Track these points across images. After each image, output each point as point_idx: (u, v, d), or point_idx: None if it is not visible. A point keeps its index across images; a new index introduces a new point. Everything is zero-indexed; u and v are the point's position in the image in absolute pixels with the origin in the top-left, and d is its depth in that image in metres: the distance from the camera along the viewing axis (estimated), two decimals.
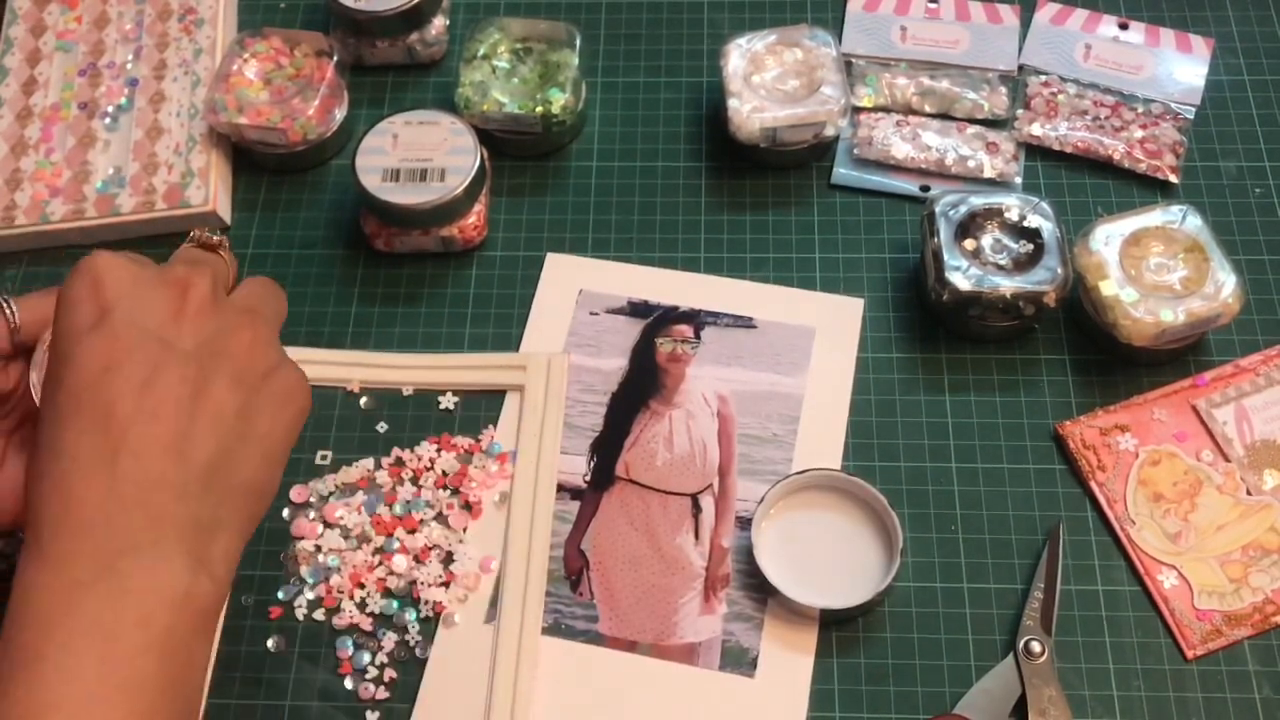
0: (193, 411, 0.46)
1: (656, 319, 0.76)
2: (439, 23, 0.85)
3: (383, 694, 0.65)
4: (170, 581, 0.44)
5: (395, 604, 0.68)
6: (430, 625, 0.67)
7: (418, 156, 0.76)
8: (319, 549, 0.69)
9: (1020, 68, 0.84)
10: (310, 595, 0.68)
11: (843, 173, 0.81)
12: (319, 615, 0.68)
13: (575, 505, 0.70)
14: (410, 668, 0.66)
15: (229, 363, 0.48)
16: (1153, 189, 0.80)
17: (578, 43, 0.81)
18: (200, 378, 0.47)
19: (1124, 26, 0.86)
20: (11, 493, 0.55)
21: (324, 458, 0.72)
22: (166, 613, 0.44)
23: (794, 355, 0.74)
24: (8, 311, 0.54)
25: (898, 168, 0.81)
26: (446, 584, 0.68)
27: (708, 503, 0.70)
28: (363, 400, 0.74)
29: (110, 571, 0.43)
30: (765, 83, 0.79)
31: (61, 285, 0.48)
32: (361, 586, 0.68)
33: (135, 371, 0.45)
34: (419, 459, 0.72)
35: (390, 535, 0.69)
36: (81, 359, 0.45)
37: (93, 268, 0.48)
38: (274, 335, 0.51)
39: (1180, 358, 0.73)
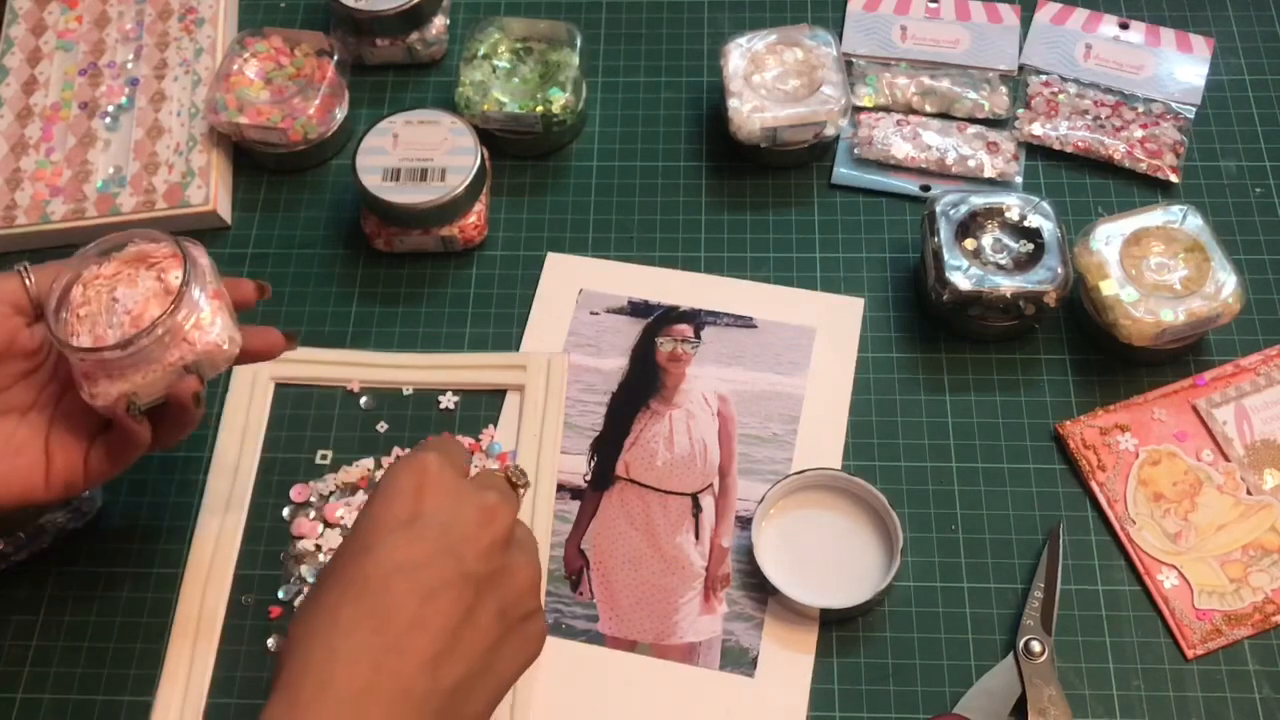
0: (457, 634, 0.48)
1: (656, 319, 0.76)
2: (439, 22, 0.85)
3: None
4: None
5: None
6: None
7: (418, 156, 0.76)
8: (319, 548, 0.69)
9: (1021, 67, 0.84)
10: None
11: (843, 172, 0.81)
12: None
13: (575, 505, 0.70)
14: None
15: (500, 597, 0.50)
16: (1153, 189, 0.80)
17: (578, 42, 0.81)
18: (473, 605, 0.49)
19: (1124, 26, 0.86)
20: (64, 465, 0.57)
21: (324, 457, 0.72)
22: None
23: (794, 355, 0.74)
24: (27, 281, 0.57)
25: (898, 167, 0.81)
26: None
27: (708, 502, 0.70)
28: (363, 400, 0.74)
29: None
30: (765, 82, 0.79)
31: (388, 470, 0.52)
32: None
33: (425, 579, 0.48)
34: None
35: None
36: (385, 552, 0.48)
37: (424, 468, 0.51)
38: (540, 579, 0.53)
39: (1180, 357, 0.73)
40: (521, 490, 0.55)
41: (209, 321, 0.56)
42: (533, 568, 0.53)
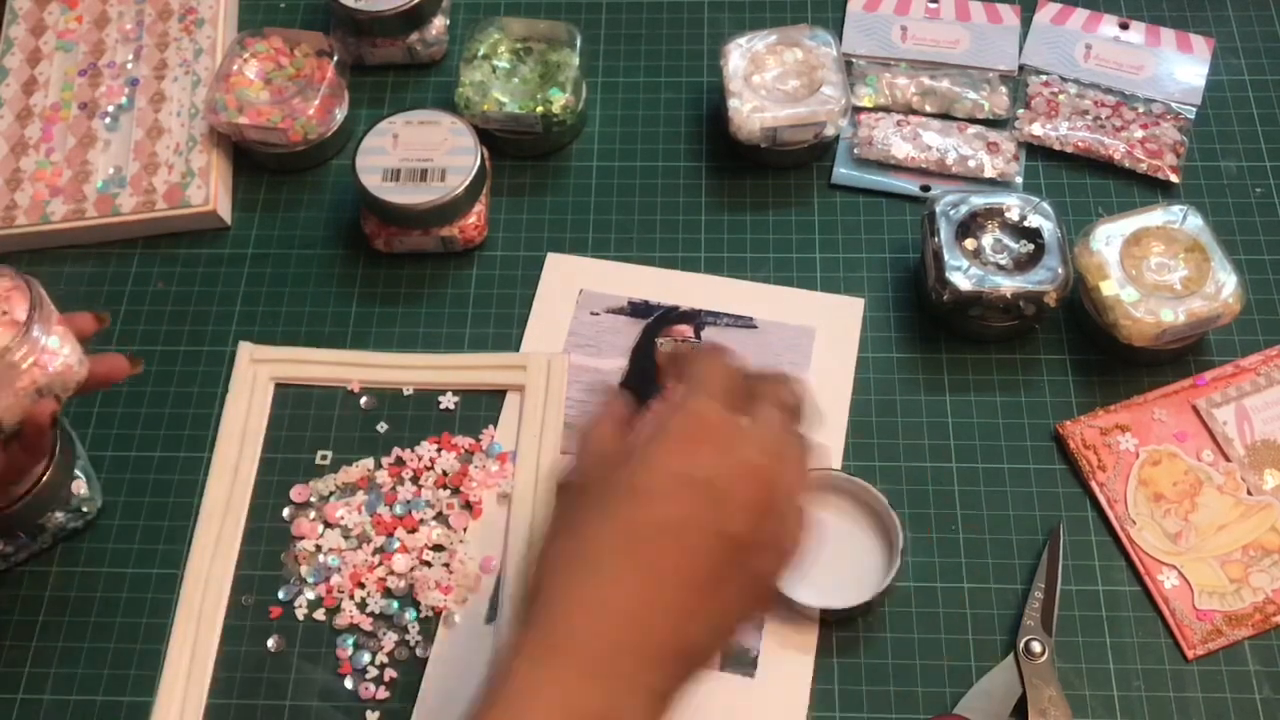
0: (705, 593, 0.47)
1: (656, 319, 0.76)
2: (439, 23, 0.85)
3: (383, 694, 0.65)
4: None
5: (395, 604, 0.68)
6: (430, 625, 0.67)
7: (418, 156, 0.76)
8: (319, 549, 0.69)
9: (1021, 68, 0.84)
10: (310, 595, 0.68)
11: (843, 173, 0.81)
12: (319, 615, 0.68)
13: None
14: (410, 667, 0.66)
15: (756, 567, 0.48)
16: (1153, 189, 0.80)
17: (578, 43, 0.81)
18: (727, 568, 0.47)
19: (1124, 26, 0.86)
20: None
21: (324, 458, 0.72)
22: None
23: (794, 355, 0.74)
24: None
25: (898, 167, 0.81)
26: (447, 584, 0.68)
27: None
28: (363, 400, 0.74)
29: (598, 707, 0.44)
30: (765, 83, 0.79)
31: (661, 409, 0.50)
32: (362, 586, 0.68)
33: (690, 539, 0.47)
34: (419, 459, 0.72)
35: (390, 535, 0.69)
36: (659, 505, 0.47)
37: (702, 417, 0.49)
38: (794, 555, 0.51)
39: (1181, 358, 0.73)
40: (800, 422, 0.52)
41: (58, 345, 0.59)
42: (794, 549, 0.50)
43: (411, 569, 0.68)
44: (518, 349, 0.75)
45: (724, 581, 0.47)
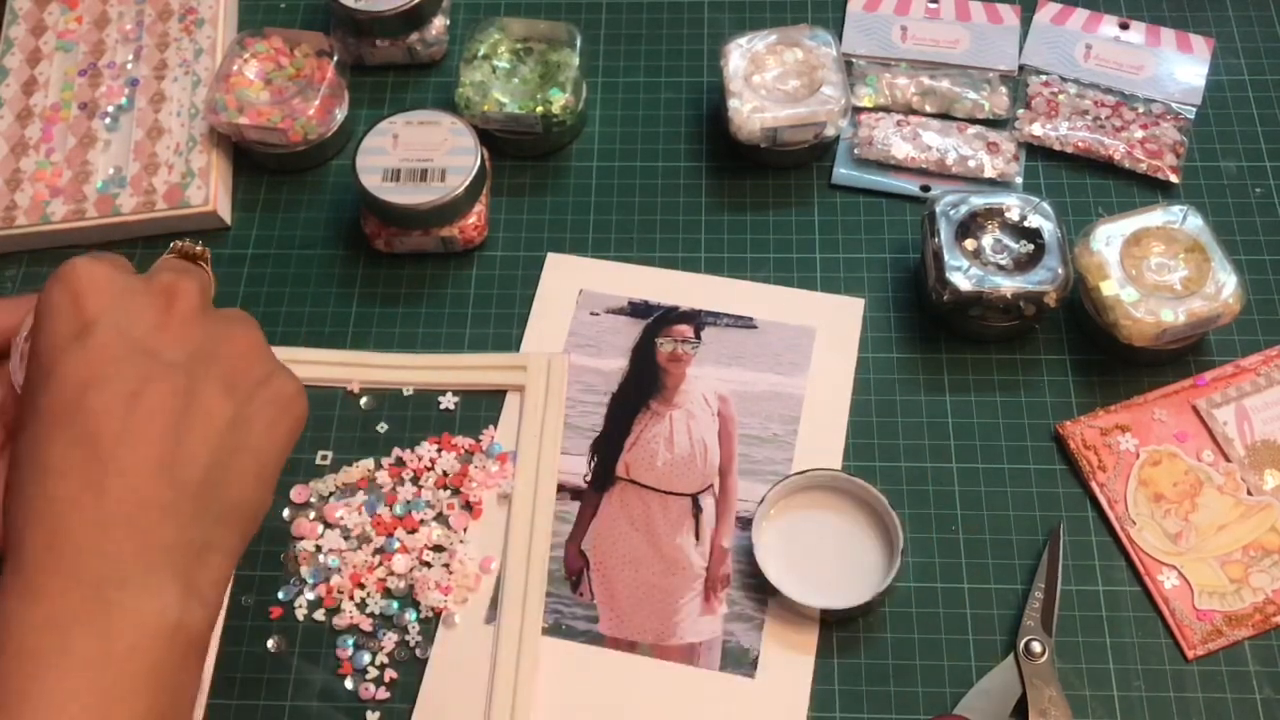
0: (183, 426, 0.44)
1: (657, 319, 0.76)
2: (439, 23, 0.85)
3: (383, 694, 0.65)
4: (161, 612, 0.42)
5: (395, 604, 0.68)
6: (430, 625, 0.67)
7: (418, 156, 0.76)
8: (319, 549, 0.69)
9: (1021, 68, 0.84)
10: (310, 595, 0.68)
11: (843, 173, 0.81)
12: (319, 615, 0.68)
13: (575, 505, 0.70)
14: (410, 668, 0.66)
15: (219, 371, 0.46)
16: (1153, 189, 0.80)
17: (578, 43, 0.81)
18: (190, 389, 0.44)
19: (1124, 26, 0.86)
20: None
21: (324, 458, 0.72)
22: (157, 645, 0.42)
23: (794, 355, 0.74)
24: None
25: (898, 168, 0.81)
26: (447, 585, 0.68)
27: (708, 503, 0.70)
28: (363, 400, 0.74)
29: (100, 604, 0.41)
30: (766, 83, 0.79)
31: (40, 292, 0.46)
32: (362, 587, 0.68)
33: (122, 386, 0.43)
34: (419, 459, 0.72)
35: (390, 535, 0.69)
36: (65, 373, 0.43)
37: (74, 275, 0.45)
38: (265, 341, 0.49)
39: (1181, 358, 0.73)
40: (203, 263, 0.51)
41: None
42: (248, 331, 0.48)
43: (411, 569, 0.68)
44: (518, 349, 0.75)
45: (197, 407, 0.44)
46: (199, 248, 0.51)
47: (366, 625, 0.67)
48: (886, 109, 0.83)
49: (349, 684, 0.66)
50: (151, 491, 0.42)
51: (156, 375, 0.44)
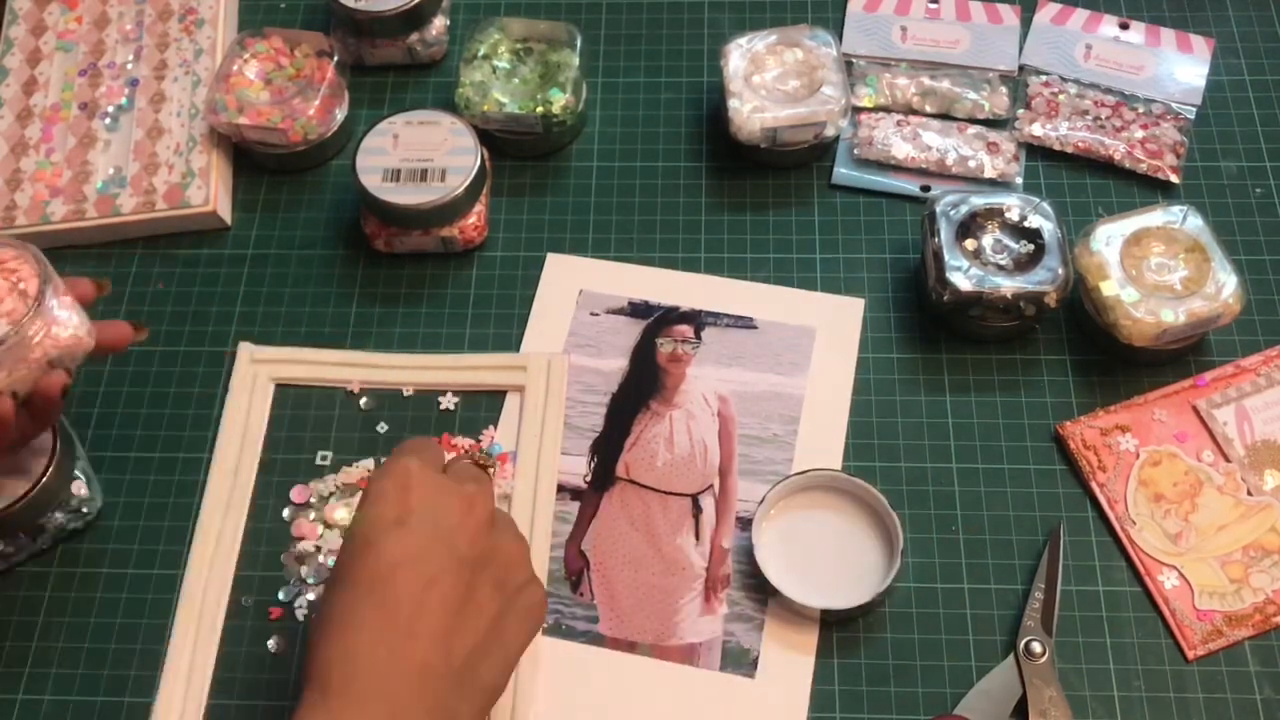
0: (462, 613, 0.53)
1: (657, 319, 0.76)
2: (439, 23, 0.85)
3: None
4: None
5: None
6: None
7: (418, 156, 0.76)
8: (319, 549, 0.69)
9: (1021, 68, 0.84)
10: (311, 596, 0.68)
11: (843, 173, 0.81)
12: None
13: (575, 506, 0.70)
14: None
15: (493, 573, 0.55)
16: (1153, 189, 0.80)
17: (578, 43, 0.81)
18: (471, 583, 0.54)
19: (1124, 26, 0.86)
20: None
21: (324, 458, 0.72)
22: None
23: (794, 355, 0.74)
24: None
25: (898, 168, 0.81)
26: None
27: (708, 503, 0.70)
28: (363, 401, 0.74)
29: None
30: (766, 83, 0.79)
31: (373, 478, 0.56)
32: None
33: (425, 570, 0.53)
34: None
35: None
36: (383, 550, 0.53)
37: (404, 471, 0.55)
38: (528, 552, 0.59)
39: (1181, 358, 0.73)
40: (491, 471, 0.61)
41: (67, 316, 0.60)
42: (518, 543, 0.58)
43: None
44: (518, 349, 0.75)
45: (474, 599, 0.54)
46: (492, 459, 0.62)
47: None
48: (886, 109, 0.83)
49: None
50: (431, 659, 0.51)
51: (451, 567, 0.53)
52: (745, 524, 0.69)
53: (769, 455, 0.71)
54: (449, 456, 0.62)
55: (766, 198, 0.81)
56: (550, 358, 0.74)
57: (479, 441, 0.72)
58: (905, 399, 0.73)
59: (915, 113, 0.83)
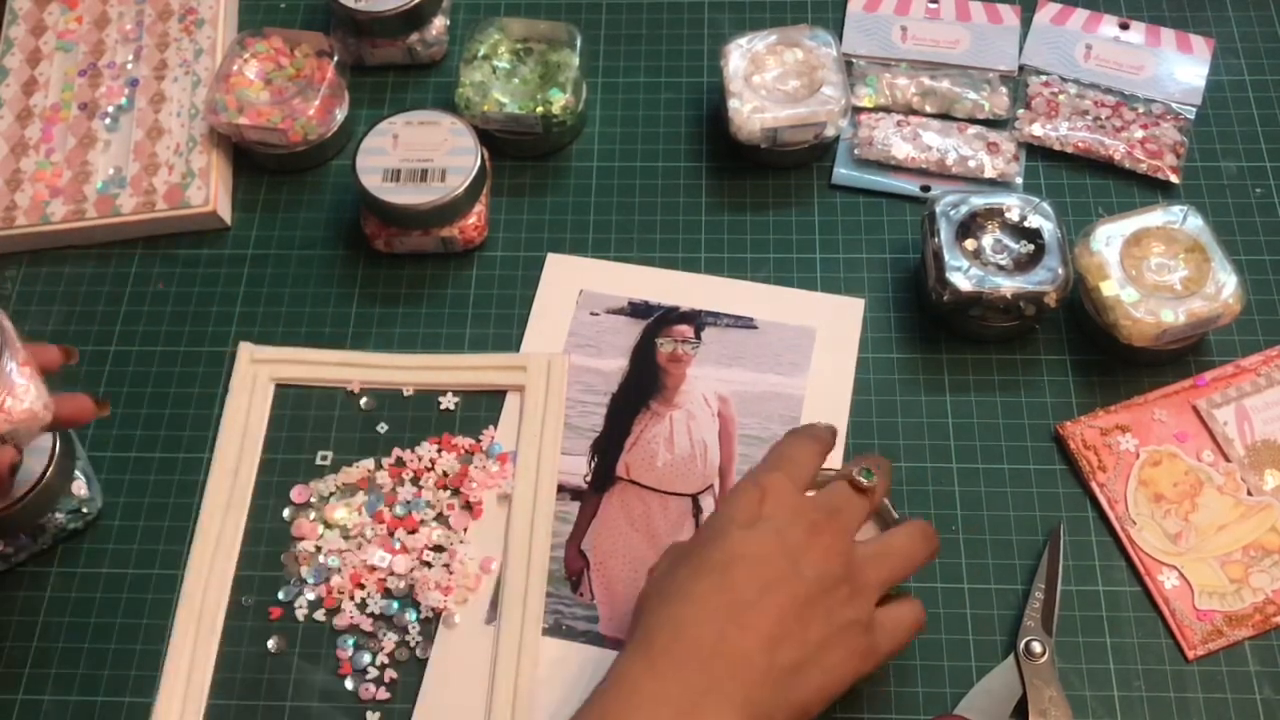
0: (792, 625, 0.54)
1: (657, 319, 0.76)
2: (439, 23, 0.85)
3: (383, 694, 0.65)
4: None
5: (395, 604, 0.68)
6: (430, 626, 0.67)
7: (418, 157, 0.76)
8: (319, 549, 0.69)
9: (1021, 68, 0.84)
10: (311, 596, 0.68)
11: (843, 173, 0.81)
12: (319, 616, 0.68)
13: (576, 506, 0.70)
14: (411, 668, 0.66)
15: (831, 601, 0.56)
16: (1153, 189, 0.80)
17: (578, 43, 0.81)
18: (806, 602, 0.55)
19: (1125, 27, 0.86)
20: None
21: (324, 458, 0.72)
22: None
23: (794, 356, 0.74)
24: None
25: (898, 168, 0.81)
26: (447, 585, 0.68)
27: (708, 503, 0.70)
28: (363, 401, 0.74)
29: (690, 704, 0.52)
30: (766, 83, 0.79)
31: (739, 484, 0.60)
32: (362, 587, 0.68)
33: (763, 572, 0.55)
34: (419, 459, 0.72)
35: (391, 536, 0.69)
36: (728, 544, 0.56)
37: (767, 482, 0.59)
38: (874, 595, 0.58)
39: (1181, 358, 0.73)
40: (871, 495, 0.61)
41: (24, 389, 0.55)
42: (864, 582, 0.58)
43: (412, 570, 0.68)
44: (518, 349, 0.75)
45: (804, 618, 0.55)
46: (869, 481, 0.61)
47: (367, 625, 0.67)
48: (886, 109, 0.83)
49: (349, 684, 0.66)
50: (753, 655, 0.53)
51: (789, 579, 0.55)
52: None
53: None
54: (832, 471, 0.63)
55: (766, 198, 0.81)
56: (550, 358, 0.74)
57: (479, 441, 0.72)
58: (905, 399, 0.73)
59: (915, 113, 0.83)
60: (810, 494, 0.60)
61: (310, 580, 0.68)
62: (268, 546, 0.70)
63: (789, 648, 0.54)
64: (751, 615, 0.54)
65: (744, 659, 0.53)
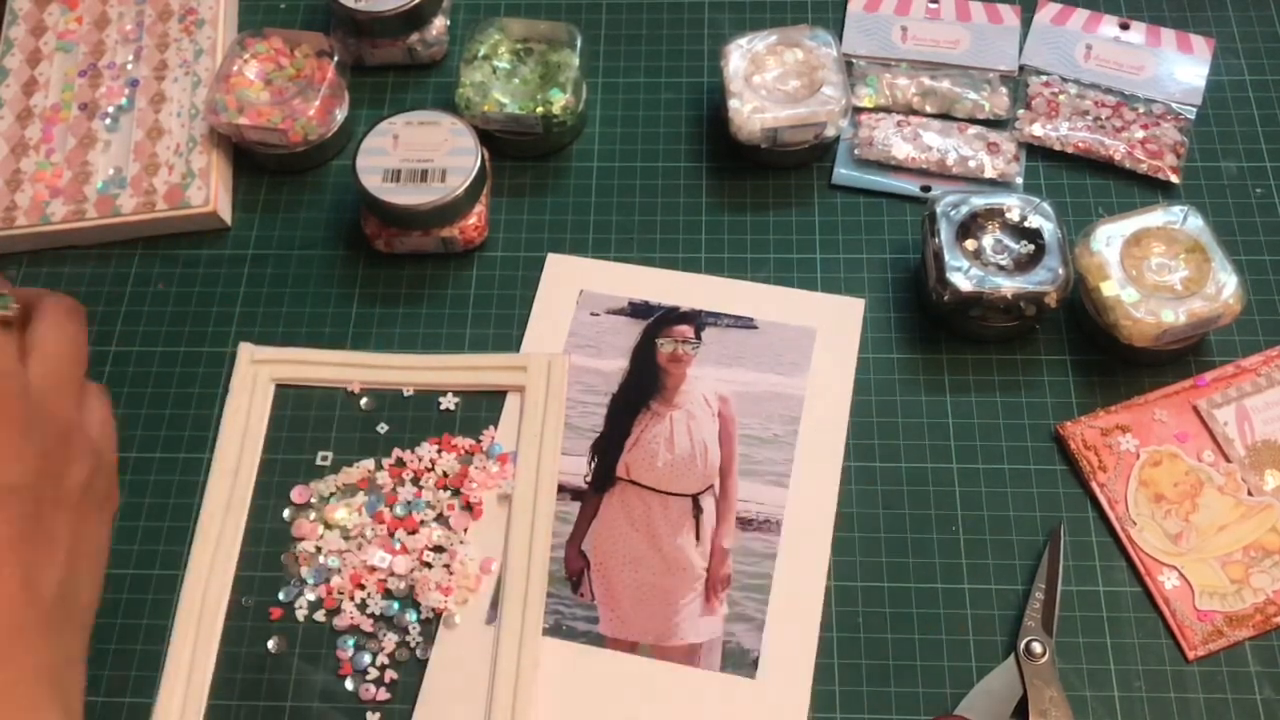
0: (32, 546, 0.42)
1: (657, 319, 0.76)
2: (439, 23, 0.85)
3: (383, 695, 0.65)
4: None
5: (396, 605, 0.68)
6: (431, 626, 0.67)
7: (418, 157, 0.75)
8: (320, 550, 0.69)
9: (1021, 68, 0.84)
10: (311, 596, 0.68)
11: (843, 173, 0.81)
12: (319, 616, 0.68)
13: (576, 506, 0.70)
14: (411, 669, 0.66)
15: (54, 487, 0.43)
16: (1154, 189, 0.80)
17: (578, 43, 0.81)
18: (34, 511, 0.42)
19: (1125, 27, 0.86)
20: None
21: (324, 459, 0.72)
22: None
23: (795, 356, 0.74)
24: None
25: (898, 168, 0.81)
26: (447, 585, 0.68)
27: (709, 503, 0.70)
28: (363, 401, 0.74)
29: None
30: (766, 83, 0.79)
31: None
32: (362, 588, 0.68)
33: None
34: (420, 460, 0.72)
35: (391, 536, 0.69)
36: None
37: None
38: (71, 415, 0.45)
39: (1181, 358, 0.73)
40: (6, 315, 0.45)
41: None
42: (66, 432, 0.44)
43: (412, 570, 0.68)
44: (518, 350, 0.75)
45: (40, 527, 0.42)
46: (5, 302, 0.45)
47: (367, 626, 0.67)
48: (887, 109, 0.83)
49: (349, 685, 0.66)
50: (16, 617, 0.41)
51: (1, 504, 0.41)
52: (746, 524, 0.69)
53: (769, 455, 0.71)
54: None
55: (766, 198, 0.81)
56: (550, 358, 0.74)
57: (479, 442, 0.72)
58: (905, 399, 0.73)
59: (915, 113, 0.83)
60: None
61: (310, 581, 0.68)
62: (268, 547, 0.70)
63: (45, 573, 0.42)
64: None
65: (14, 635, 0.40)
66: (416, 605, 0.67)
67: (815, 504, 0.69)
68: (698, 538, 0.69)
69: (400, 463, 0.72)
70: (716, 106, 0.83)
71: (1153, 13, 0.87)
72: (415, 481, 0.71)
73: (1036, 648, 0.64)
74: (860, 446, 0.71)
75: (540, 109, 0.79)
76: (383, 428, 0.73)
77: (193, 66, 0.84)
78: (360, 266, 0.79)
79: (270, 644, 0.67)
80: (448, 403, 0.74)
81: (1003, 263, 0.72)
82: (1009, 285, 0.70)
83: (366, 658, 0.66)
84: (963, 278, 0.70)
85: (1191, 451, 0.70)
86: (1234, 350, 0.73)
